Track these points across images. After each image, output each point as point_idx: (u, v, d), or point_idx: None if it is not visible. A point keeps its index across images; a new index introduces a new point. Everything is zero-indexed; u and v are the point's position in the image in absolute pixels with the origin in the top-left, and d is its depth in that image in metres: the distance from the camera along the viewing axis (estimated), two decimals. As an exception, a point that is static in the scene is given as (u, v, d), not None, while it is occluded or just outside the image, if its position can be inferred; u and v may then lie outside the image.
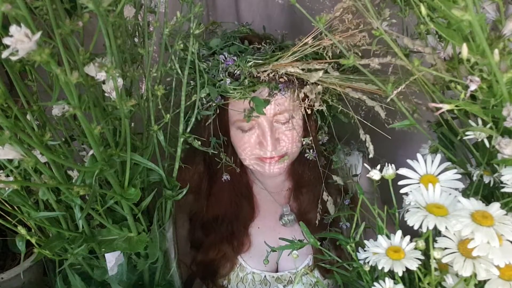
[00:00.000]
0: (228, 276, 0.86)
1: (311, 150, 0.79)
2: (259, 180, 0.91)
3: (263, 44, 0.73)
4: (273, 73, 0.68)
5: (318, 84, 0.69)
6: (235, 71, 0.70)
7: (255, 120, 0.75)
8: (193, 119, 0.69)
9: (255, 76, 0.70)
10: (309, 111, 0.73)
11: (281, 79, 0.70)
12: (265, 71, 0.68)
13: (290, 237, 0.84)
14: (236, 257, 0.86)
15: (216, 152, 0.78)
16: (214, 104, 0.73)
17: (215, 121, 0.76)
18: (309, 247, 0.82)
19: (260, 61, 0.69)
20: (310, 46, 0.66)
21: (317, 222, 0.81)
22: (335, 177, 0.82)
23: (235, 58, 0.70)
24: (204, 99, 0.72)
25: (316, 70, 0.66)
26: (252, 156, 0.80)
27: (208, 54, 0.72)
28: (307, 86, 0.69)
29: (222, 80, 0.70)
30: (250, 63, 0.69)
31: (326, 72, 0.67)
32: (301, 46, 0.67)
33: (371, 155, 0.70)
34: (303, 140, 0.78)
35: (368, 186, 0.89)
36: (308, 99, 0.71)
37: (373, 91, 0.67)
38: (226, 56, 0.70)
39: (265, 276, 0.85)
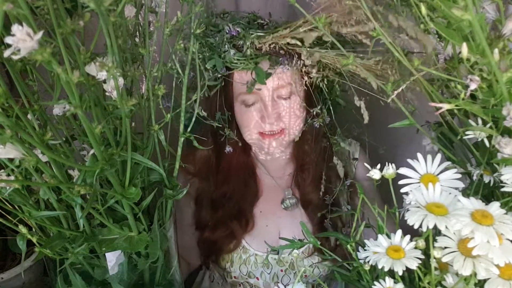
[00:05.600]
0: (231, 258, 0.87)
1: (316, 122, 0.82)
2: (262, 164, 0.92)
3: (266, 20, 0.78)
4: (273, 45, 0.72)
5: (314, 54, 0.72)
6: (239, 42, 0.74)
7: (257, 94, 0.78)
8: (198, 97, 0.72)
9: (257, 48, 0.74)
10: (309, 86, 0.76)
11: (281, 51, 0.73)
12: (266, 42, 0.73)
13: (291, 221, 0.88)
14: (242, 235, 0.87)
15: (220, 126, 0.81)
16: (219, 75, 0.77)
17: (220, 96, 0.80)
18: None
19: (262, 33, 0.74)
20: (304, 22, 0.69)
21: (321, 195, 0.83)
22: (335, 159, 0.84)
23: (238, 29, 0.74)
24: (210, 71, 0.77)
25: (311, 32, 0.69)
26: (254, 131, 0.81)
27: (216, 30, 0.77)
28: (304, 52, 0.72)
29: (227, 51, 0.74)
30: (252, 35, 0.74)
31: (323, 47, 0.71)
32: (300, 23, 0.71)
33: (365, 121, 0.72)
34: (312, 111, 0.80)
35: (366, 173, 0.91)
36: (308, 74, 0.75)
37: (369, 68, 0.68)
38: (231, 27, 0.75)
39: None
